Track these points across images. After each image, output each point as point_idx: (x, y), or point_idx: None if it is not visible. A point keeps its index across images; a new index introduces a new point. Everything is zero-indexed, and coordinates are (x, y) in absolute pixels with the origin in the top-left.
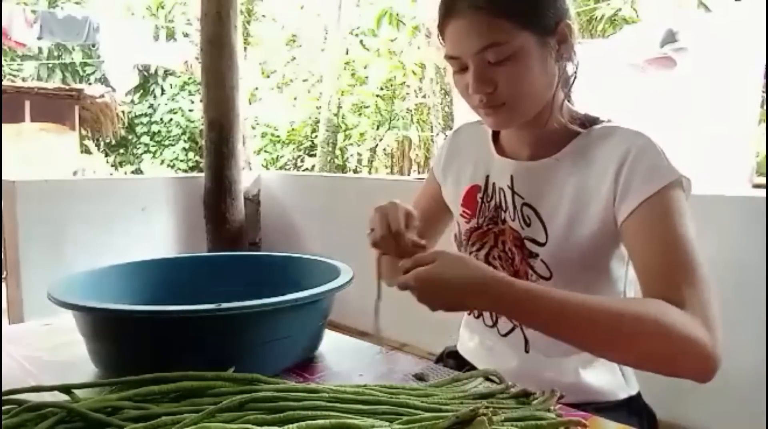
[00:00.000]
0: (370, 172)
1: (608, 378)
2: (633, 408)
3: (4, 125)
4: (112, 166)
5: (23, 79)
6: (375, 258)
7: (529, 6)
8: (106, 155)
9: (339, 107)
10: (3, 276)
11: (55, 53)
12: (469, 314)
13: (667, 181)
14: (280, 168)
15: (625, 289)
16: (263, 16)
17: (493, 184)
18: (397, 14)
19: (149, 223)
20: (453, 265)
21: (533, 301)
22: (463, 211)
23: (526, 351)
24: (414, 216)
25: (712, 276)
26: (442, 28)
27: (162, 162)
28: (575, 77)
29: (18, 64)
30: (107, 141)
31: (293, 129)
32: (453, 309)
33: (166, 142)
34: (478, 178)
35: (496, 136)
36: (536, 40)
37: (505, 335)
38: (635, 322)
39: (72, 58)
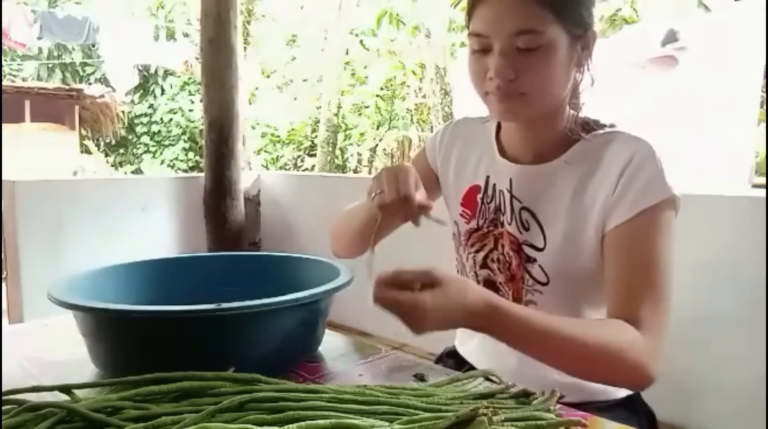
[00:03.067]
0: (370, 172)
1: None
2: (632, 407)
3: (4, 125)
4: (112, 166)
5: (23, 79)
6: (371, 217)
7: (570, 3)
8: (106, 155)
9: (339, 107)
10: (3, 276)
11: (55, 53)
12: None
13: (658, 200)
14: (280, 168)
15: None
16: (263, 16)
17: (494, 185)
18: (397, 14)
19: (149, 223)
20: (448, 300)
21: (514, 329)
22: (463, 211)
23: None
24: (420, 182)
25: (711, 276)
26: (475, 3)
27: (162, 162)
28: (592, 83)
29: (18, 64)
30: (107, 141)
31: (293, 129)
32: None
33: (166, 142)
34: (478, 179)
35: (497, 136)
36: (567, 39)
37: None
38: (601, 352)
39: (72, 58)
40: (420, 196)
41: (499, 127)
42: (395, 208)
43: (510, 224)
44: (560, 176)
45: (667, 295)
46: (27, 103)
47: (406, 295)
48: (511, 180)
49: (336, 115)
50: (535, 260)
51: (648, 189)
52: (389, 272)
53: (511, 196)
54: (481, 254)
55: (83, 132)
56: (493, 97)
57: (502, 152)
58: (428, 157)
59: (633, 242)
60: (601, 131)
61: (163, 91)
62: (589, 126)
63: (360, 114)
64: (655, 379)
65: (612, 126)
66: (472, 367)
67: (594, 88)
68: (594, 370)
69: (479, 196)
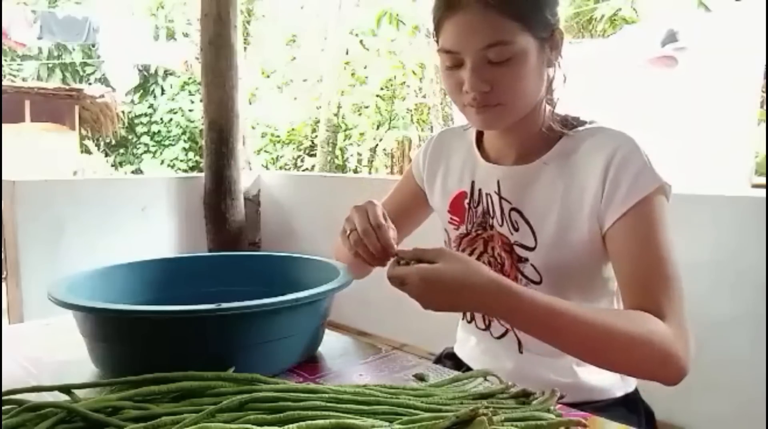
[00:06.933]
0: (370, 172)
1: (605, 376)
2: (631, 406)
3: (4, 125)
4: (112, 166)
5: (23, 79)
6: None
7: (534, 10)
8: (106, 155)
9: (339, 107)
10: (3, 276)
11: (55, 53)
12: (463, 318)
13: (651, 189)
14: (280, 168)
15: (618, 288)
16: (263, 16)
17: (479, 189)
18: (397, 14)
19: (149, 223)
20: (456, 268)
21: (532, 313)
22: (452, 219)
23: (520, 352)
24: (388, 218)
25: (711, 276)
26: (441, 20)
27: (162, 162)
28: (565, 80)
29: (18, 64)
30: (107, 141)
31: (293, 129)
32: (446, 310)
33: (166, 142)
34: (464, 185)
35: (479, 141)
36: (536, 44)
37: (499, 338)
38: (628, 339)
39: (72, 58)
40: (388, 232)
41: (480, 132)
42: (367, 243)
43: (501, 226)
44: (546, 175)
45: (678, 281)
46: (27, 103)
47: (423, 267)
48: (498, 182)
49: (336, 115)
50: (527, 260)
51: (638, 181)
52: (409, 250)
53: (500, 198)
54: (473, 258)
55: (83, 132)
56: (471, 108)
57: (485, 156)
58: (414, 176)
59: (634, 236)
60: (582, 128)
61: (163, 91)
62: (569, 122)
63: (360, 114)
64: (688, 372)
65: (592, 122)
66: (471, 369)
67: (597, 85)
68: (625, 361)
69: (466, 201)
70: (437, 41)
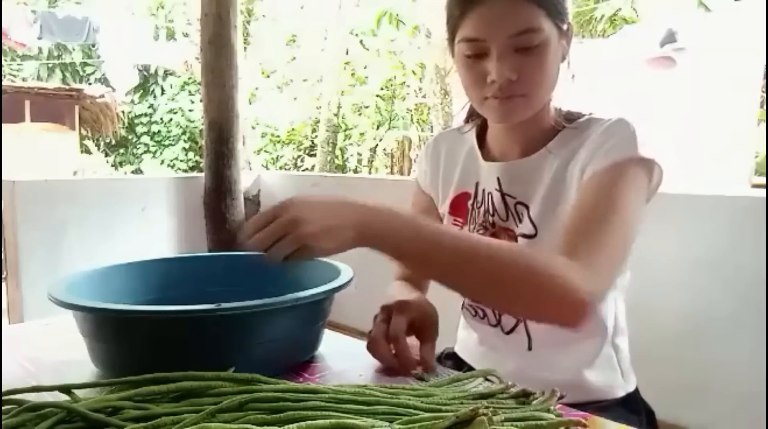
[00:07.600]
0: (370, 172)
1: (607, 376)
2: (631, 405)
3: (4, 125)
4: (112, 166)
5: (23, 79)
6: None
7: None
8: (106, 155)
9: (339, 107)
10: (3, 276)
11: (55, 53)
12: (474, 316)
13: (625, 156)
14: (280, 168)
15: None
16: (263, 16)
17: (483, 190)
18: (397, 14)
19: (149, 223)
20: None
21: (413, 234)
22: (454, 220)
23: (529, 348)
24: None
25: (711, 276)
26: (466, 8)
27: (162, 162)
28: (573, 78)
29: (18, 64)
30: (107, 141)
31: (293, 129)
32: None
33: (166, 142)
34: (468, 186)
35: (480, 141)
36: (557, 33)
37: (509, 333)
38: (522, 269)
39: (72, 58)
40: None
41: (482, 132)
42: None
43: (506, 220)
44: (545, 165)
45: (617, 241)
46: (27, 103)
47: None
48: (498, 179)
49: (336, 115)
50: None
51: (617, 147)
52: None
53: (502, 194)
54: None
55: (83, 132)
56: (494, 100)
57: (488, 156)
58: (421, 185)
59: (592, 191)
60: (582, 119)
61: (163, 91)
62: (573, 115)
63: (360, 114)
64: (588, 308)
65: (591, 114)
66: (471, 368)
67: (597, 85)
68: (514, 291)
69: (470, 202)
70: (452, 34)
